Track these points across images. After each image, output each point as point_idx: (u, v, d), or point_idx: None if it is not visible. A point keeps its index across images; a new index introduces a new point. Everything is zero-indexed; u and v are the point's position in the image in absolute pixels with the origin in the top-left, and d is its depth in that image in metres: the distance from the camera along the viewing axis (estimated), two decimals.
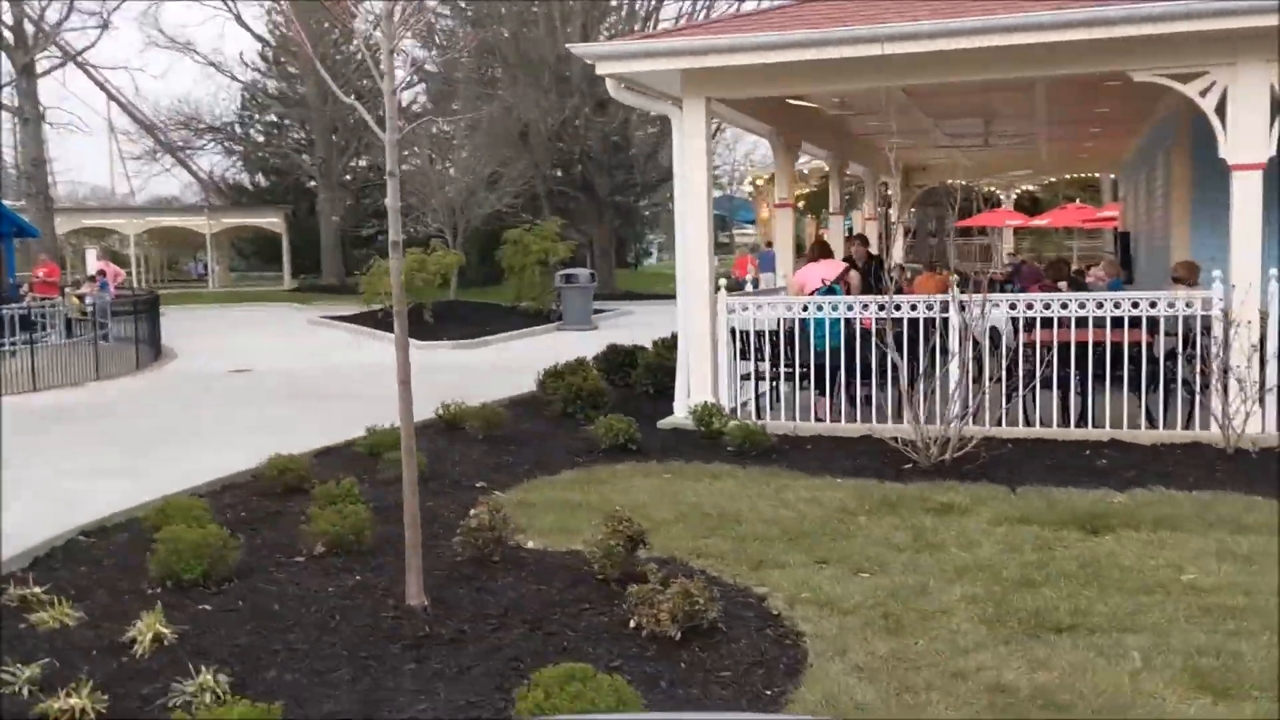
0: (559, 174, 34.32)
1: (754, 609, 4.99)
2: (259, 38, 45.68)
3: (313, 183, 55.99)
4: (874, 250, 16.29)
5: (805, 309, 10.21)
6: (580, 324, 25.29)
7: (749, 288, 36.18)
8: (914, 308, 9.80)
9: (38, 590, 5.48)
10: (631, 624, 4.72)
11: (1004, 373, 9.53)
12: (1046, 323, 9.41)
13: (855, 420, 9.93)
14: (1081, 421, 9.50)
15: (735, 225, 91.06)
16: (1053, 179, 33.16)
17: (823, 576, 5.51)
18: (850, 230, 23.01)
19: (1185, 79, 9.38)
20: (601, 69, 10.18)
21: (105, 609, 5.30)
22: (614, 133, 34.55)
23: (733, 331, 10.56)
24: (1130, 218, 19.69)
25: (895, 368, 8.71)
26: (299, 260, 44.87)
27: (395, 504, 7.08)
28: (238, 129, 49.54)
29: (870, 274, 12.75)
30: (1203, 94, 9.36)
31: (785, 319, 10.32)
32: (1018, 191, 46.74)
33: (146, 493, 7.99)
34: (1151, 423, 9.44)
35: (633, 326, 25.96)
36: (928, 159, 22.95)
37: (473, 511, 6.11)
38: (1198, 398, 9.38)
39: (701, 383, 10.62)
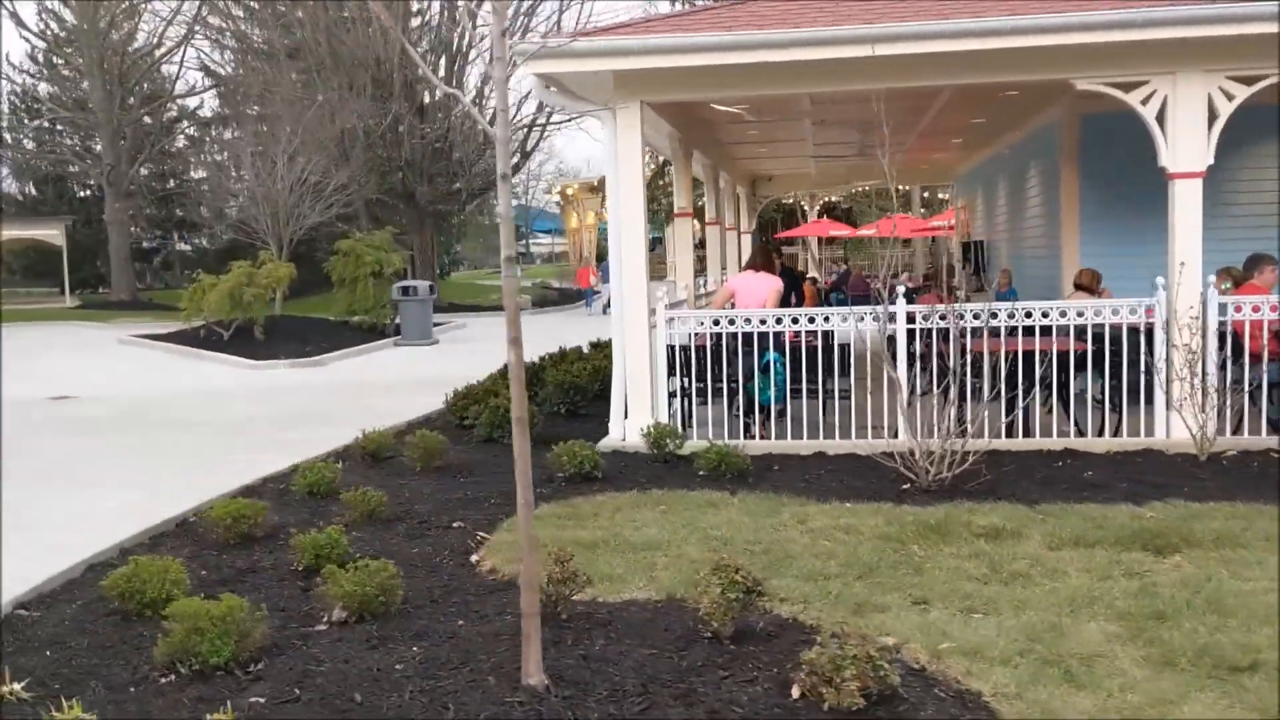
0: (377, 182, 32.85)
1: (902, 665, 4.43)
2: (34, 34, 41.99)
3: (86, 192, 52.39)
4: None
5: (753, 322, 9.72)
6: (420, 338, 24.19)
7: (597, 299, 35.30)
8: (861, 320, 9.53)
9: (17, 688, 4.41)
10: (795, 693, 4.09)
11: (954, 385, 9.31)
12: (976, 332, 9.25)
13: (789, 437, 9.59)
14: (1028, 432, 9.42)
15: (530, 235, 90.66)
16: (865, 189, 34.05)
17: (939, 620, 5.00)
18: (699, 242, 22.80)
19: (1127, 88, 9.39)
20: (531, 68, 9.45)
21: (120, 708, 4.28)
22: (436, 139, 33.39)
23: (669, 348, 9.99)
24: (981, 227, 20.16)
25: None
26: (74, 275, 41.64)
27: (374, 552, 6.25)
28: (6, 135, 45.57)
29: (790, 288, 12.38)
30: (1144, 102, 9.39)
31: (725, 333, 9.81)
32: (821, 202, 48.05)
33: (61, 551, 6.82)
34: (1080, 432, 9.42)
35: (473, 341, 25.04)
36: (776, 169, 22.99)
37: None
38: (1125, 407, 9.41)
39: (641, 401, 10.01)
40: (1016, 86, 11.43)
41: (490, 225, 63.20)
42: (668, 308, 10.02)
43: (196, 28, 38.62)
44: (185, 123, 46.00)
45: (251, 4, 37.65)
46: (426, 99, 34.12)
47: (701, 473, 8.39)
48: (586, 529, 6.90)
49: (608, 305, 36.86)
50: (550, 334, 26.51)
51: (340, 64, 31.70)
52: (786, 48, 8.97)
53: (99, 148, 44.34)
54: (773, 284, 10.74)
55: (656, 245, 70.27)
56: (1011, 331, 9.34)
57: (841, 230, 33.64)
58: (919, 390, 9.31)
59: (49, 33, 43.53)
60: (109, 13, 37.90)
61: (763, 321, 9.69)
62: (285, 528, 7.15)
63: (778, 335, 9.71)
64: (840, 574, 5.75)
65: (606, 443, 9.92)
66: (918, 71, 9.32)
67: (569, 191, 58.10)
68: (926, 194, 40.26)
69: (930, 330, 9.11)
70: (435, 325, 25.76)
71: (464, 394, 11.24)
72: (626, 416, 10.06)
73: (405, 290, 24.56)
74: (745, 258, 14.75)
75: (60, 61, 44.02)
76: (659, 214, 42.09)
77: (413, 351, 23.06)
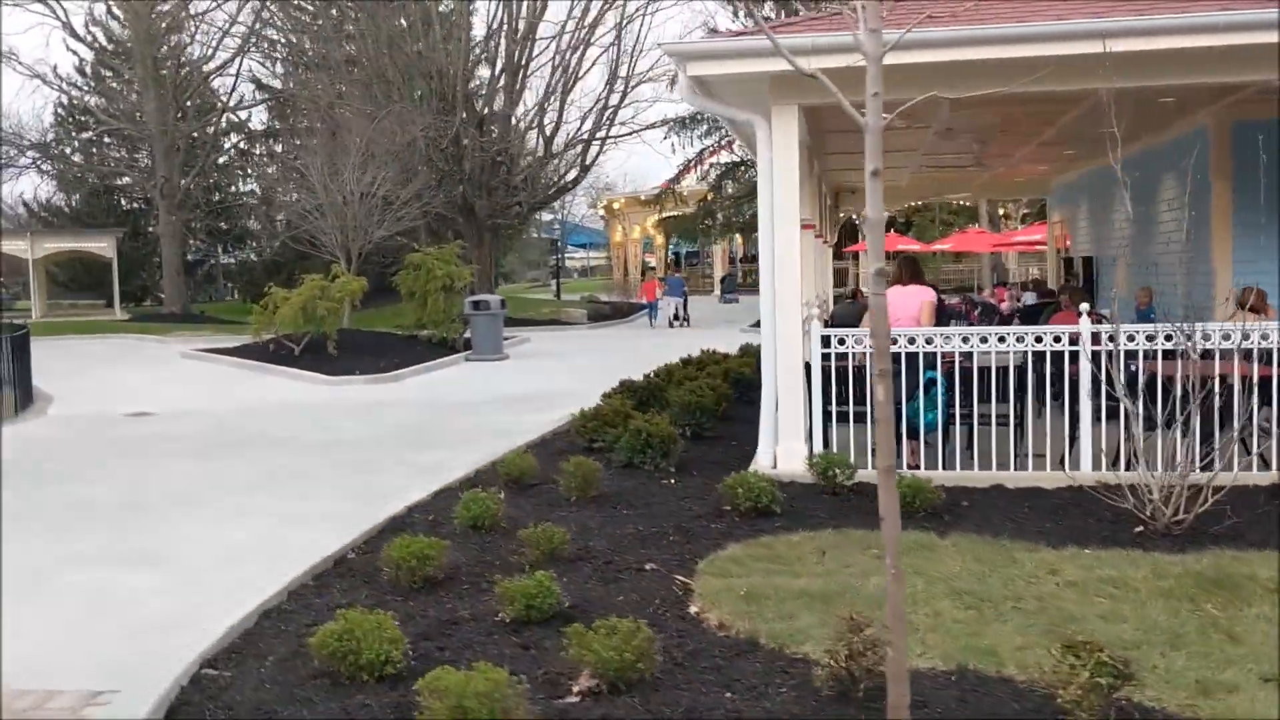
0: (440, 195, 32.31)
1: None
2: (86, 44, 41.73)
3: (132, 205, 52.16)
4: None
5: (935, 342, 8.95)
6: (491, 353, 23.52)
7: (661, 311, 34.65)
8: (1039, 340, 8.76)
9: None
10: None
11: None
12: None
13: (942, 466, 8.83)
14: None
15: (565, 250, 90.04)
16: (916, 204, 33.17)
17: None
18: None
19: None
20: (693, 70, 8.74)
21: None
22: (497, 153, 32.82)
23: (824, 369, 9.23)
24: (1084, 242, 19.32)
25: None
26: (122, 287, 41.26)
27: (572, 600, 5.57)
28: (52, 147, 45.38)
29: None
30: None
31: (904, 353, 9.04)
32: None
33: (219, 592, 6.14)
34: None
35: (543, 356, 24.36)
36: (859, 182, 22.22)
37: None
38: None
39: (793, 425, 9.27)
40: (1233, 88, 10.57)
41: (528, 240, 62.62)
42: (820, 324, 9.28)
43: (252, 39, 38.30)
44: (236, 135, 45.75)
45: (304, 16, 37.29)
46: (485, 110, 33.57)
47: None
48: (801, 576, 6.14)
49: (675, 318, 36.61)
50: (625, 349, 25.77)
51: (403, 75, 31.20)
52: (1011, 43, 8.20)
53: (144, 160, 44.21)
54: (924, 296, 9.98)
55: (695, 259, 69.83)
56: (1208, 354, 8.53)
57: (910, 245, 32.81)
58: (1099, 418, 8.55)
59: (97, 44, 43.37)
60: (163, 20, 37.57)
61: (946, 339, 8.93)
62: (460, 568, 6.44)
63: (934, 355, 8.98)
64: (1146, 641, 4.96)
65: (756, 471, 9.16)
66: (1139, 70, 8.48)
67: (615, 205, 57.55)
68: (1003, 209, 39.45)
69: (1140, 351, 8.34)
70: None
71: (592, 415, 10.51)
72: (779, 441, 9.31)
73: (476, 304, 23.92)
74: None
75: (109, 74, 43.74)
76: (712, 229, 41.44)
77: (486, 367, 22.39)
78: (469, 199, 32.01)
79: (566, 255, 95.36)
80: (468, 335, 24.36)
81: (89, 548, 7.64)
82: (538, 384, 18.72)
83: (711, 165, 38.40)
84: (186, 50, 39.93)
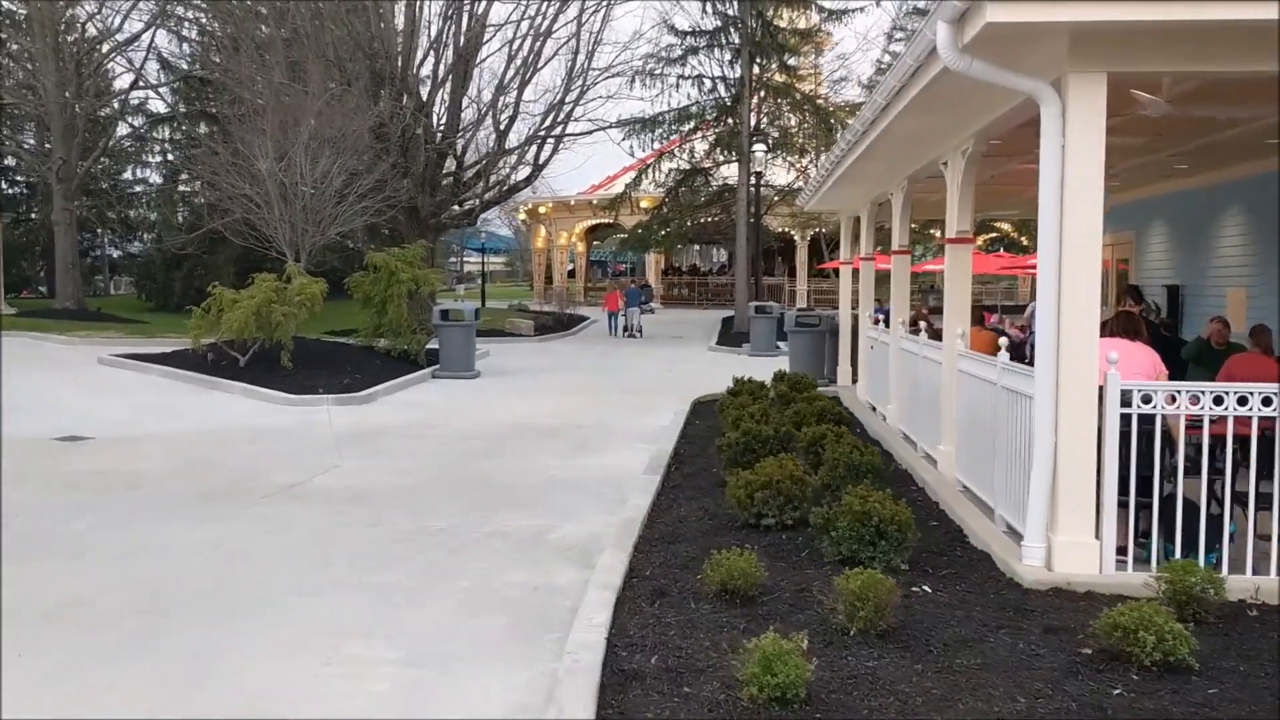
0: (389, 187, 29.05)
1: None
2: None
3: (14, 189, 47.35)
4: None
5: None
6: (462, 370, 20.62)
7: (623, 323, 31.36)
8: None
9: None
10: None
11: None
12: None
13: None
14: None
15: (464, 253, 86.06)
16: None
17: None
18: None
19: None
20: (994, 15, 6.14)
21: None
22: (446, 145, 29.74)
23: (1124, 432, 6.74)
24: (1173, 268, 17.24)
25: None
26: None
27: None
28: None
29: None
30: None
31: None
32: (812, 234, 45.30)
33: None
34: None
35: (514, 374, 21.51)
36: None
37: None
38: None
39: (1079, 509, 6.75)
40: None
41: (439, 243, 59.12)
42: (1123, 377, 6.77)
43: (162, 16, 34.51)
44: (140, 117, 41.62)
45: None
46: (434, 99, 30.45)
47: None
48: None
49: (625, 329, 34.21)
50: (601, 366, 22.92)
51: (341, 55, 27.94)
52: None
53: (32, 141, 39.80)
54: (1151, 357, 7.55)
55: (604, 268, 67.25)
56: None
57: (886, 263, 30.64)
58: None
59: None
60: None
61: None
62: None
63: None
64: None
65: (1029, 575, 6.63)
66: None
67: (540, 209, 54.58)
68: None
69: None
70: None
71: (762, 484, 7.75)
72: (1057, 530, 6.78)
73: (446, 314, 20.97)
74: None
75: (6, 38, 39.29)
76: (669, 237, 38.93)
77: (462, 386, 19.46)
78: (412, 195, 28.84)
79: (464, 260, 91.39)
80: (430, 346, 21.43)
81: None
82: (542, 409, 15.94)
83: (671, 172, 35.92)
84: (90, 21, 35.87)
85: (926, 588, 6.39)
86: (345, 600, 6.39)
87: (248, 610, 6.19)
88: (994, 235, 43.11)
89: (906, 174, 12.71)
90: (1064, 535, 6.73)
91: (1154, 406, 6.66)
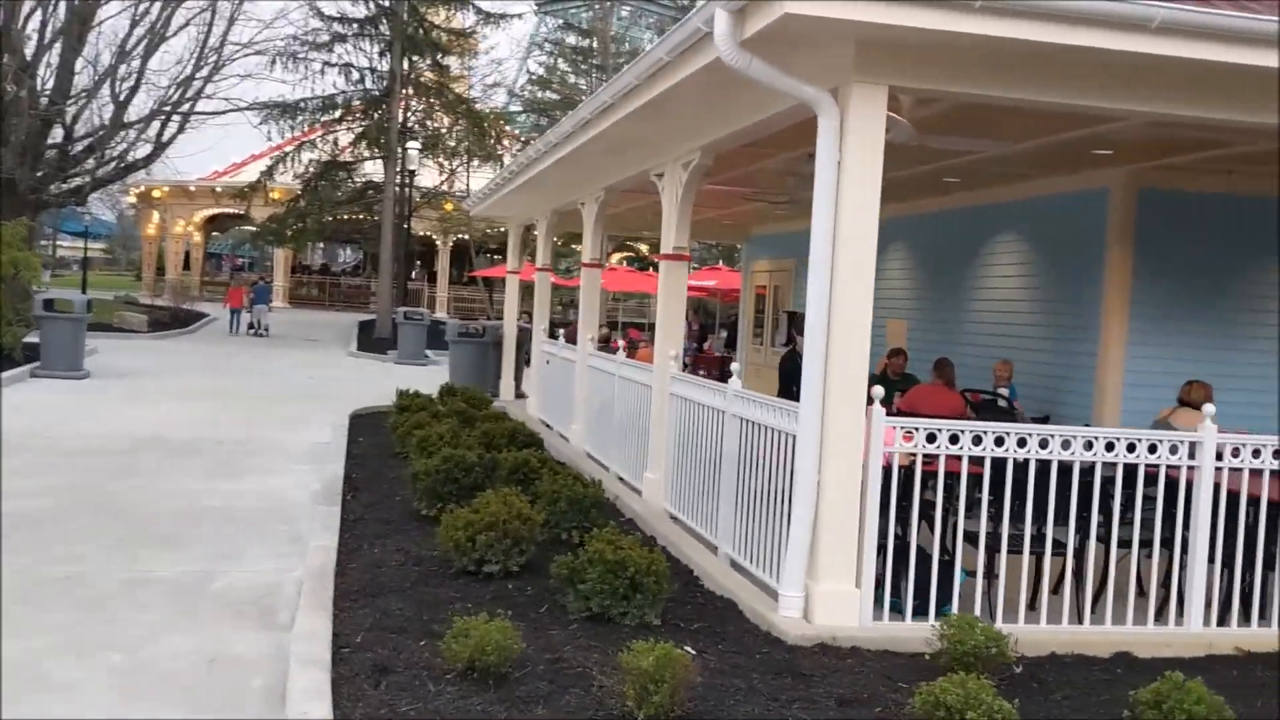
0: None
1: None
2: None
3: None
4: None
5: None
6: (69, 369, 18.05)
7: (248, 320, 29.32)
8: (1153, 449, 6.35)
9: None
10: None
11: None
12: None
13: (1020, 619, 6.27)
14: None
15: (57, 237, 78.14)
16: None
17: None
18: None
19: None
20: (790, 6, 5.42)
21: None
22: (56, 112, 26.12)
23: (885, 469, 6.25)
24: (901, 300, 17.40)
25: None
26: None
27: None
28: None
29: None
30: None
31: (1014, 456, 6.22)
32: (454, 240, 44.39)
33: None
34: None
35: (134, 376, 19.07)
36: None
37: None
38: None
39: (840, 557, 6.18)
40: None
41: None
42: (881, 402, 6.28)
43: None
44: None
45: None
46: (38, 59, 26.72)
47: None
48: None
49: (251, 327, 31.84)
50: (233, 367, 20.62)
51: None
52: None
53: None
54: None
55: (219, 262, 63.10)
56: None
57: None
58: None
59: None
60: None
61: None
62: None
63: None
64: None
65: (789, 630, 5.99)
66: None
67: (155, 194, 49.96)
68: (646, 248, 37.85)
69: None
70: None
71: (485, 525, 6.59)
72: (818, 577, 6.16)
73: (50, 304, 18.19)
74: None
75: None
76: (303, 233, 36.56)
77: (69, 388, 16.87)
78: (11, 166, 25.11)
79: (57, 244, 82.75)
80: (29, 340, 18.56)
81: None
82: (172, 418, 13.99)
83: (311, 163, 33.71)
84: None
85: (689, 648, 5.54)
86: None
87: None
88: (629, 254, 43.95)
89: (606, 184, 11.99)
90: (825, 583, 6.12)
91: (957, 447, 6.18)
